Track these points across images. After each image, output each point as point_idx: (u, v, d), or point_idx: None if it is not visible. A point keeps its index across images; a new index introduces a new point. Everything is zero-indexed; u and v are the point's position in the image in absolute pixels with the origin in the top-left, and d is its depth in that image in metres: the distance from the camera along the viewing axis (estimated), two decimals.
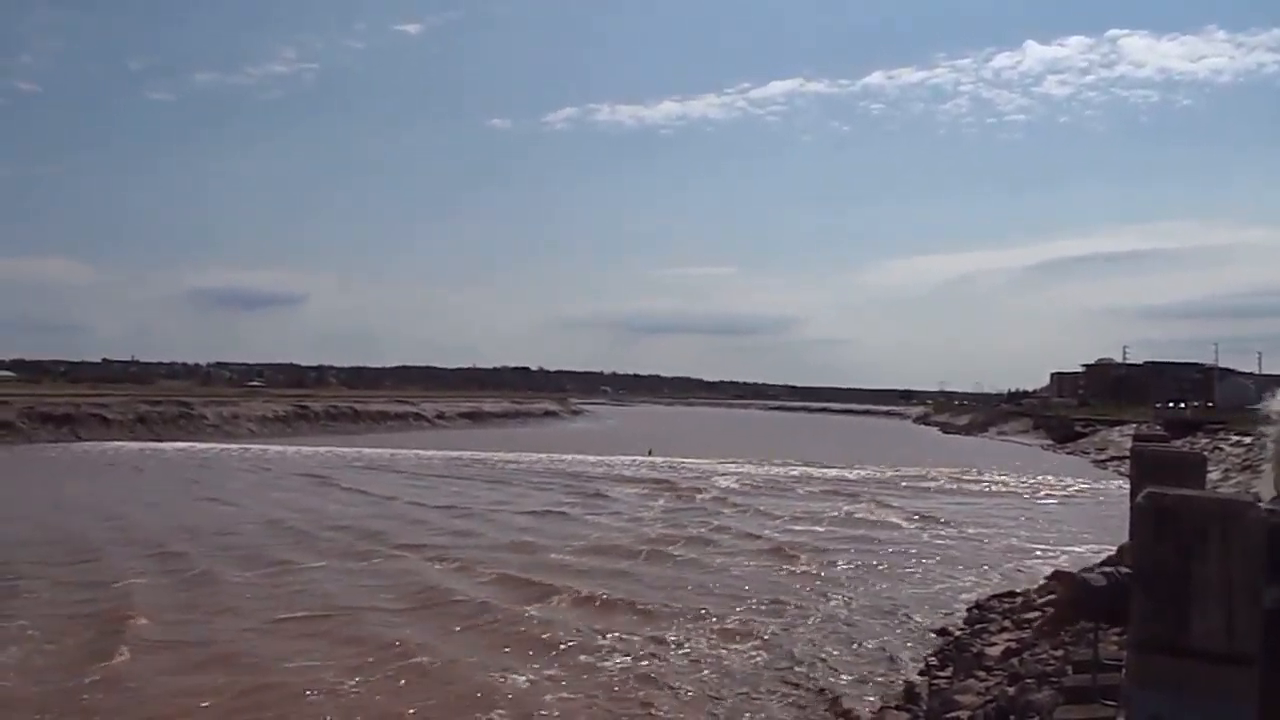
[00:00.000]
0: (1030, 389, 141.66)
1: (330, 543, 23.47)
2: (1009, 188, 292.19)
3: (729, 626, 15.52)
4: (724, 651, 14.10)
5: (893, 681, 12.62)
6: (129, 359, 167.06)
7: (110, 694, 11.95)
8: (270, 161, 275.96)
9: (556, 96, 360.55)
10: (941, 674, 12.31)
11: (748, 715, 11.51)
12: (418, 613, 16.53)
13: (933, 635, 14.97)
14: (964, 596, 18.08)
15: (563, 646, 14.11)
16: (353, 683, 12.34)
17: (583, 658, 13.62)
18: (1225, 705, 1.75)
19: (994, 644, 12.84)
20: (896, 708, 11.03)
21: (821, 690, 12.37)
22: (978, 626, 14.71)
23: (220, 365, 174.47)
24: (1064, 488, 41.77)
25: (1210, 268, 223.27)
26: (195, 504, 30.95)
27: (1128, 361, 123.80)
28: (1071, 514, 31.96)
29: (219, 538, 23.96)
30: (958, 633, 14.72)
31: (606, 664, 13.40)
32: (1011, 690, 9.95)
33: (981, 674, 11.42)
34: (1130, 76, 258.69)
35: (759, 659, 13.76)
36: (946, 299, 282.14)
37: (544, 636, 14.74)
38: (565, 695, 12.02)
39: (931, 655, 13.66)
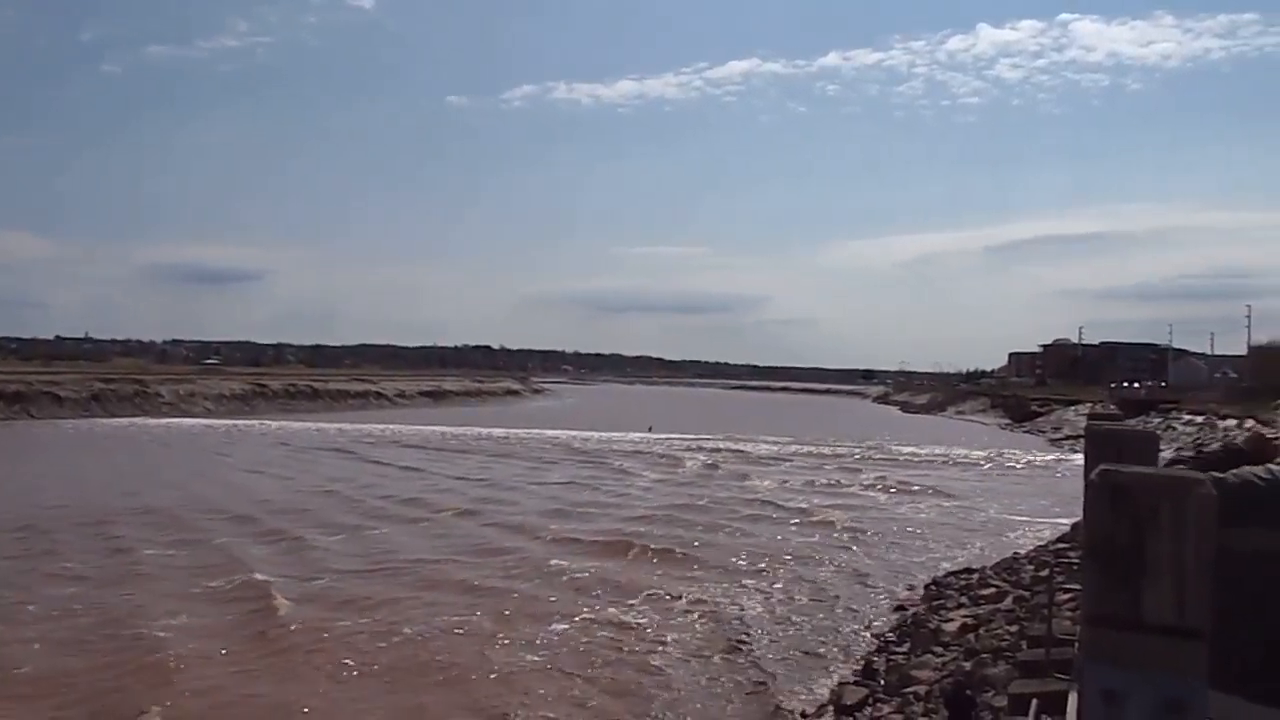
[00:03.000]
0: (989, 369, 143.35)
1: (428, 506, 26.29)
2: (964, 169, 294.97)
3: (697, 597, 15.81)
4: (680, 623, 14.30)
5: (857, 656, 12.76)
6: (82, 336, 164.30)
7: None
8: (225, 136, 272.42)
9: (514, 74, 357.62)
10: (899, 649, 12.46)
11: (707, 690, 11.60)
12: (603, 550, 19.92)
13: (893, 612, 15.17)
14: (943, 565, 18.58)
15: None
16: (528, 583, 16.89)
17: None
18: (1177, 678, 1.77)
19: (951, 620, 13.01)
20: (855, 683, 11.15)
21: (782, 662, 12.49)
22: (935, 603, 14.90)
23: (176, 343, 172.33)
24: (1026, 464, 42.61)
25: (1163, 250, 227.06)
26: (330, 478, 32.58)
27: (1084, 342, 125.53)
28: (1037, 489, 32.63)
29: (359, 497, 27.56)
30: (915, 609, 14.90)
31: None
32: (968, 665, 10.11)
33: (939, 649, 11.59)
34: (1081, 60, 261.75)
35: (719, 631, 13.86)
36: (905, 279, 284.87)
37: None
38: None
39: (889, 631, 13.83)
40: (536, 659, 12.63)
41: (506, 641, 13.33)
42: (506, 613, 14.82)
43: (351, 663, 12.35)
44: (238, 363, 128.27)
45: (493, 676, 11.96)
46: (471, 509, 25.67)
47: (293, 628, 13.87)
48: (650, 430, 56.24)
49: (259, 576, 16.88)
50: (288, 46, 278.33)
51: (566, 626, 14.08)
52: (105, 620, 14.13)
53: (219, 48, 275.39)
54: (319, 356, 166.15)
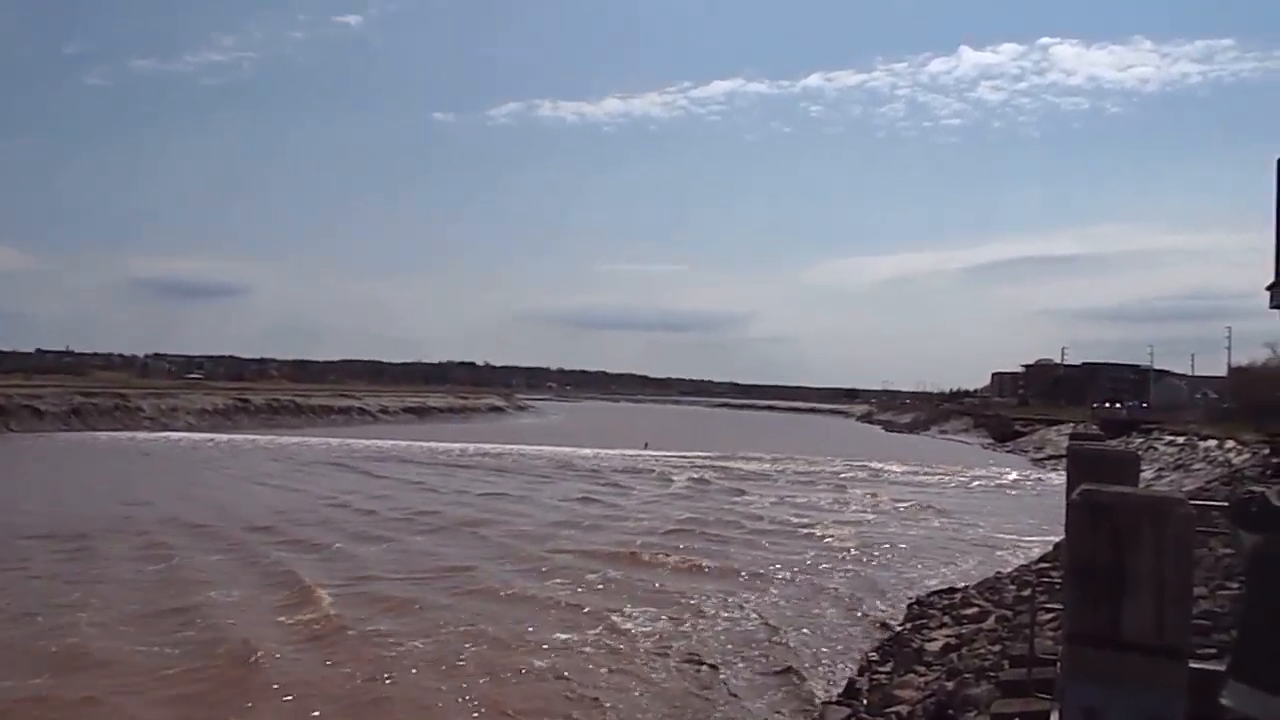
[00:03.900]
0: (971, 388, 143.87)
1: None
2: (946, 190, 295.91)
3: (686, 610, 15.74)
4: (668, 634, 14.33)
5: (838, 677, 12.74)
6: (64, 349, 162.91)
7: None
8: (210, 150, 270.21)
9: (500, 91, 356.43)
10: (882, 669, 12.44)
11: (682, 708, 11.56)
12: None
13: (877, 630, 15.16)
14: (931, 583, 18.68)
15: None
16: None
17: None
18: (1157, 696, 1.79)
19: (933, 639, 13.01)
20: (837, 703, 11.12)
21: (765, 681, 12.46)
22: (918, 622, 14.89)
23: (158, 357, 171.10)
24: (1010, 483, 42.94)
25: (1143, 271, 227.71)
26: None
27: (1066, 362, 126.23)
28: (1021, 507, 32.86)
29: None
30: (898, 628, 14.89)
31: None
32: (950, 685, 10.10)
33: (921, 669, 11.57)
34: (1061, 84, 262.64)
35: (706, 644, 13.83)
36: (888, 298, 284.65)
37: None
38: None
39: (872, 651, 13.81)
40: (543, 664, 13.07)
41: (521, 646, 13.82)
42: (531, 617, 15.34)
43: (417, 667, 12.61)
44: (221, 377, 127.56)
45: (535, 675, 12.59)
46: (483, 519, 26.30)
47: (350, 631, 14.20)
48: (645, 446, 56.66)
49: (304, 579, 17.25)
50: (273, 62, 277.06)
51: (571, 635, 14.39)
52: (166, 622, 14.35)
53: (204, 62, 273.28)
54: (303, 372, 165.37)
